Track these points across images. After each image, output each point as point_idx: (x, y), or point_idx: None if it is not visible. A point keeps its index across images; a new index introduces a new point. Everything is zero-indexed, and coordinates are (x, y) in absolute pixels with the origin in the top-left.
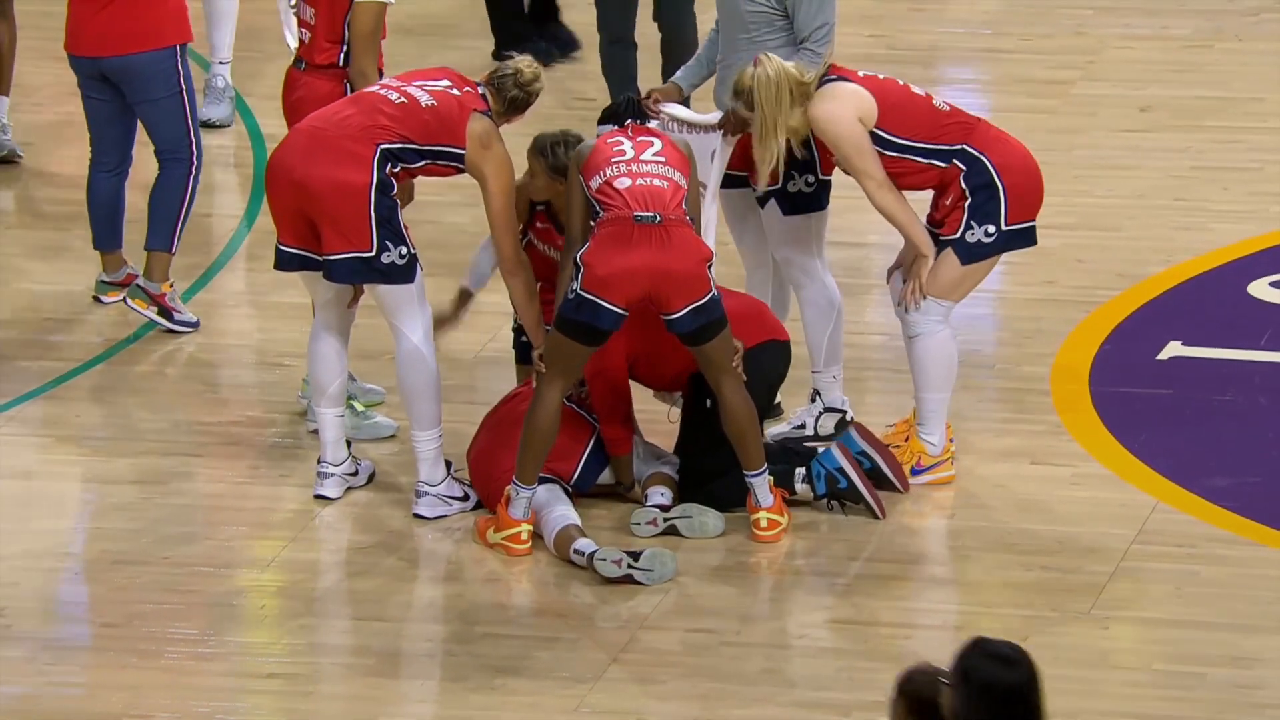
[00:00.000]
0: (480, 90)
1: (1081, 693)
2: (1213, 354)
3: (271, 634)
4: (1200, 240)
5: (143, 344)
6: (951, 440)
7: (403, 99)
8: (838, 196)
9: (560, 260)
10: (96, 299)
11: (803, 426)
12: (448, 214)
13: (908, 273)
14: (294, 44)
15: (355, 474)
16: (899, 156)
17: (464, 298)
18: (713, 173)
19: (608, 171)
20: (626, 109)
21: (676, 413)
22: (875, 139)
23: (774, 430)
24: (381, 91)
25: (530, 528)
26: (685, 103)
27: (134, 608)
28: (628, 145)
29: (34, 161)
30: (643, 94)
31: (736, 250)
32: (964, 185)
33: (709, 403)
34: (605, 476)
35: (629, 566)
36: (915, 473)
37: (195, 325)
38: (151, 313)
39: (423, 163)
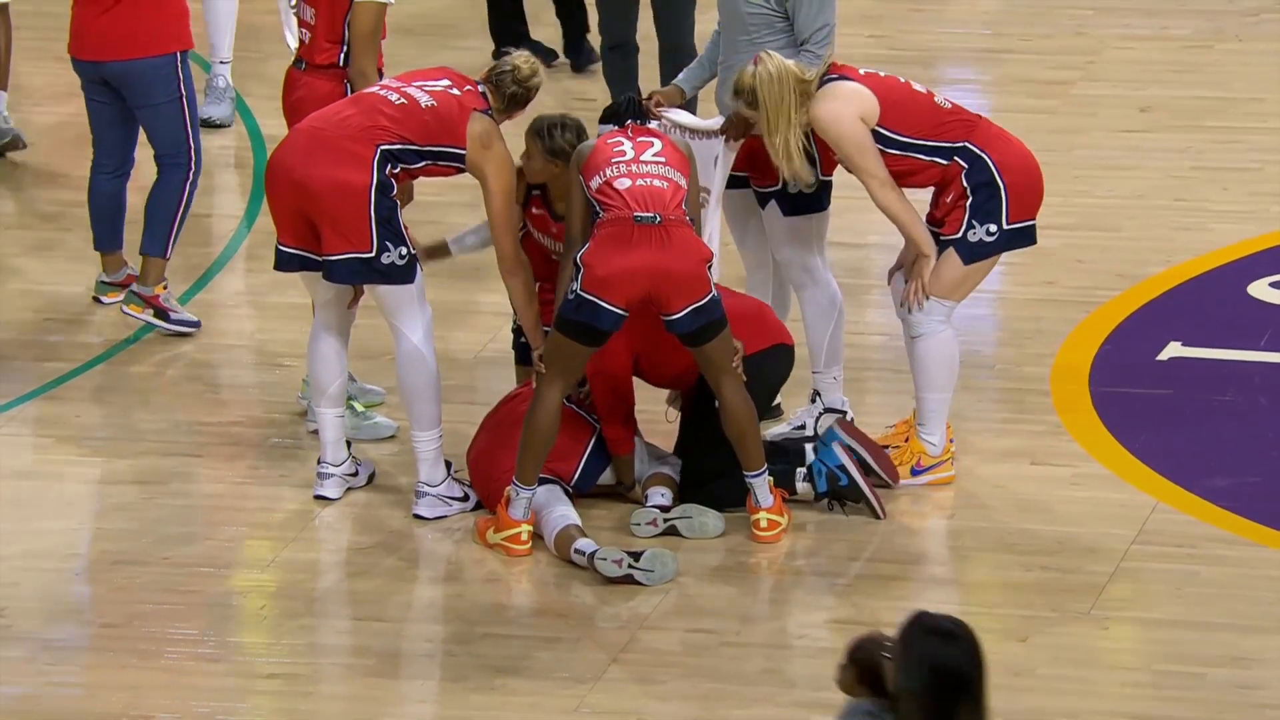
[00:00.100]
0: (480, 89)
1: (1081, 693)
2: (1213, 354)
3: (271, 634)
4: (1200, 240)
5: (142, 344)
6: (951, 440)
7: (402, 100)
8: (838, 196)
9: (560, 261)
10: (96, 299)
11: (803, 427)
12: (448, 214)
13: (909, 273)
14: (294, 44)
15: (355, 474)
16: (901, 154)
17: (439, 251)
18: (716, 180)
19: (608, 172)
20: (627, 109)
21: (675, 412)
22: (877, 137)
23: (774, 430)
24: (381, 92)
25: (530, 528)
26: (688, 105)
27: (134, 608)
28: (628, 145)
29: (34, 162)
30: (644, 96)
31: (737, 251)
32: (965, 183)
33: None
34: (606, 477)
35: (629, 566)
36: (915, 473)
37: (196, 325)
38: (147, 315)
39: (423, 163)
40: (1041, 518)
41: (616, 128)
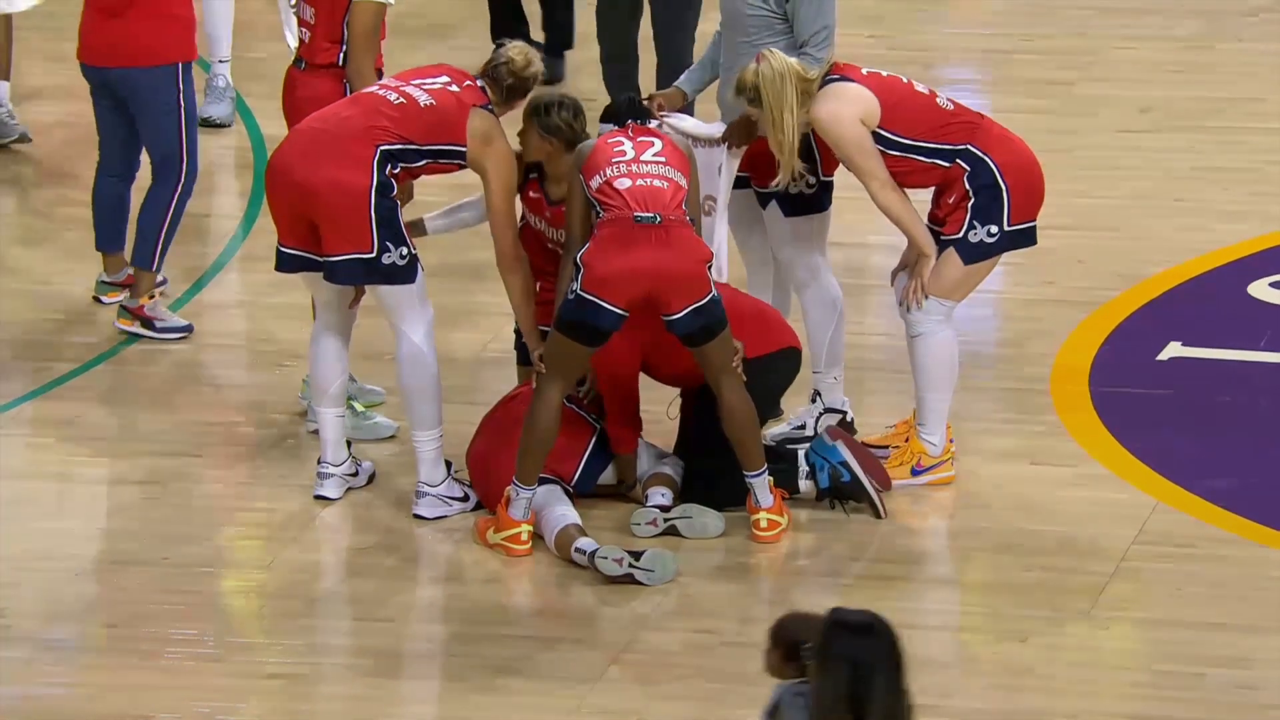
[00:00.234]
0: (479, 83)
1: (1081, 693)
2: (1213, 354)
3: (271, 634)
4: (1200, 240)
5: (143, 344)
6: (951, 441)
7: (401, 99)
8: (838, 196)
9: (560, 261)
10: (97, 299)
11: (803, 427)
12: None
13: (911, 273)
14: (294, 43)
15: (355, 475)
16: (902, 156)
17: (414, 228)
18: (721, 189)
19: (608, 172)
20: (627, 109)
21: (676, 410)
22: (878, 139)
23: (774, 431)
24: (381, 92)
25: (530, 528)
26: (689, 108)
27: (134, 608)
28: (628, 145)
29: (36, 161)
30: (645, 99)
31: (739, 251)
32: (967, 185)
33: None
34: (606, 477)
35: (630, 565)
36: (915, 473)
37: (187, 330)
38: (136, 327)
39: (423, 162)
40: (1041, 518)
41: (616, 127)
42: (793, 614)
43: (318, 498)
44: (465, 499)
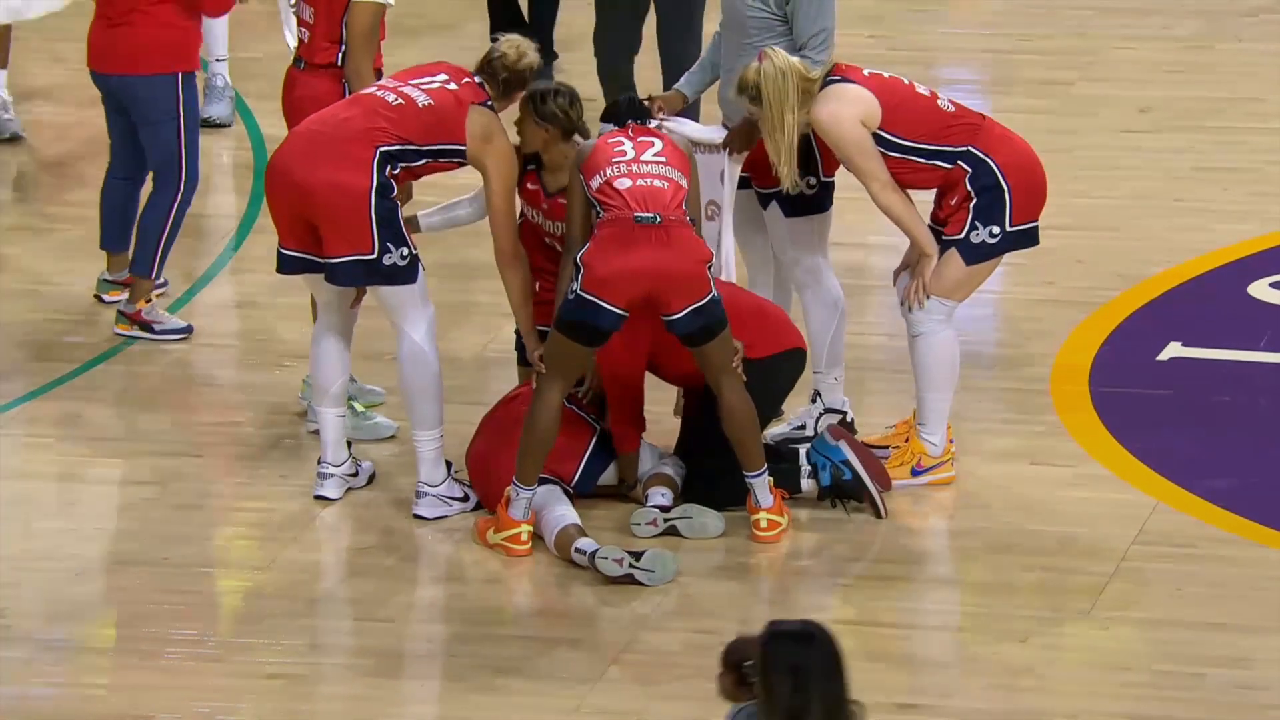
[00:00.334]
0: (477, 80)
1: (1081, 693)
2: (1213, 354)
3: (271, 634)
4: (1200, 240)
5: (143, 344)
6: (951, 441)
7: (399, 100)
8: (839, 197)
9: (560, 262)
10: (98, 298)
11: (803, 427)
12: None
13: (913, 273)
14: (293, 43)
15: (355, 475)
16: (903, 158)
17: (408, 225)
18: (725, 196)
19: (608, 171)
20: (628, 109)
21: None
22: (879, 140)
23: (774, 431)
24: (379, 93)
25: (530, 528)
26: (691, 110)
27: (134, 608)
28: (628, 145)
29: (37, 162)
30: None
31: (740, 251)
32: (969, 187)
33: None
34: (606, 478)
35: (630, 566)
36: (916, 473)
37: (186, 331)
38: (134, 332)
39: (423, 162)
40: (1041, 518)
41: (616, 127)
42: (741, 636)
43: (318, 498)
44: (465, 499)
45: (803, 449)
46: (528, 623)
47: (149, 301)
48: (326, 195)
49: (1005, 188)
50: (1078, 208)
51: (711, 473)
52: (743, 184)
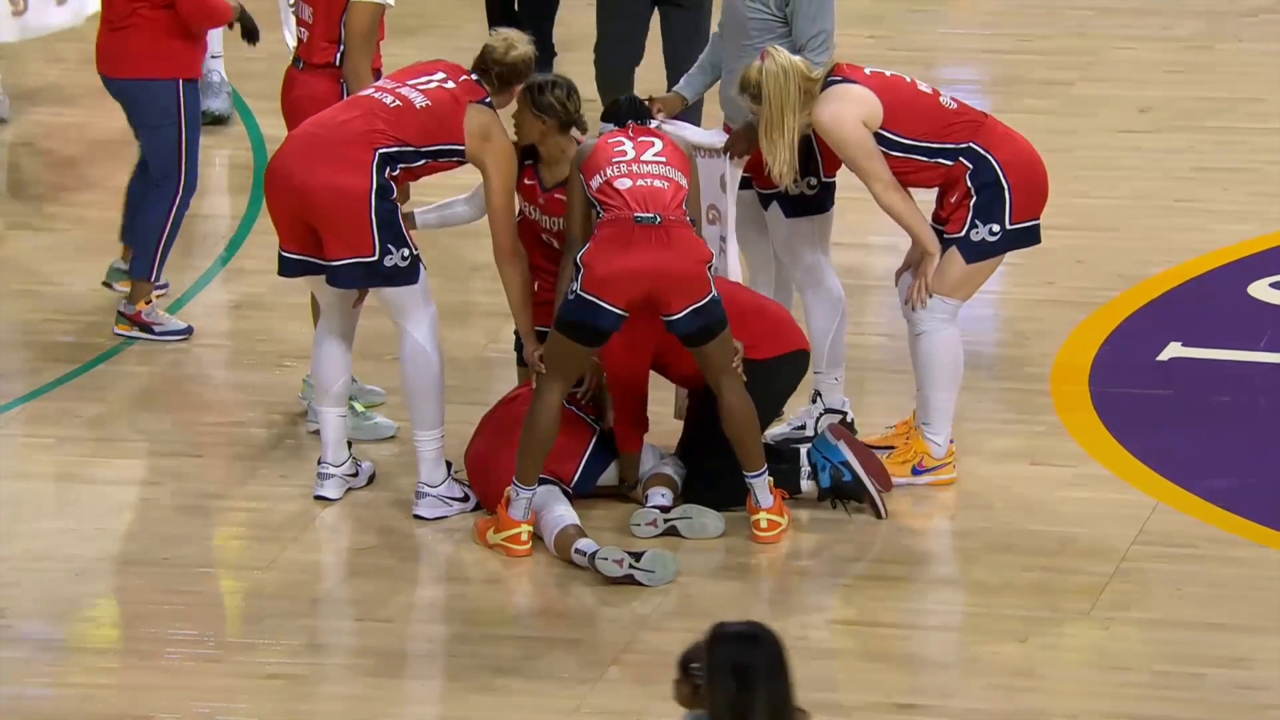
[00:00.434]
0: (474, 77)
1: (1081, 693)
2: (1213, 354)
3: (271, 634)
4: (1200, 240)
5: (143, 344)
6: (952, 441)
7: (397, 102)
8: (840, 197)
9: (560, 262)
10: (107, 285)
11: (803, 427)
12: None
13: (915, 272)
14: (292, 43)
15: (355, 475)
16: (904, 156)
17: (406, 221)
18: (728, 202)
19: (608, 172)
20: (628, 109)
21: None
22: (880, 139)
23: (774, 432)
24: (376, 95)
25: (530, 529)
26: (691, 111)
27: (134, 608)
28: (628, 145)
29: (36, 162)
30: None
31: (741, 251)
32: (970, 184)
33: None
34: (606, 478)
35: (630, 566)
36: (917, 472)
37: (186, 332)
38: (134, 333)
39: (422, 162)
40: (1042, 518)
41: (617, 127)
42: (695, 644)
43: (318, 498)
44: (465, 499)
45: (803, 449)
46: (528, 623)
47: (149, 303)
48: (326, 198)
49: (1005, 185)
50: (1078, 208)
51: (711, 473)
52: (744, 185)
